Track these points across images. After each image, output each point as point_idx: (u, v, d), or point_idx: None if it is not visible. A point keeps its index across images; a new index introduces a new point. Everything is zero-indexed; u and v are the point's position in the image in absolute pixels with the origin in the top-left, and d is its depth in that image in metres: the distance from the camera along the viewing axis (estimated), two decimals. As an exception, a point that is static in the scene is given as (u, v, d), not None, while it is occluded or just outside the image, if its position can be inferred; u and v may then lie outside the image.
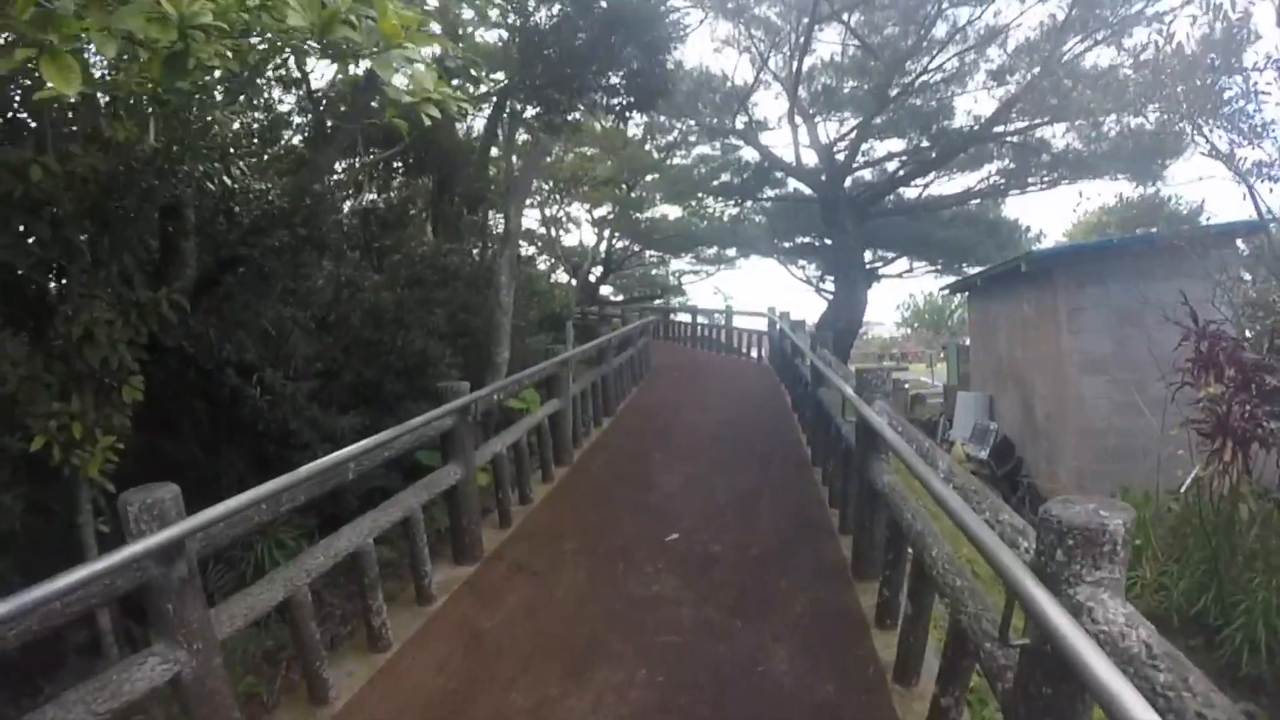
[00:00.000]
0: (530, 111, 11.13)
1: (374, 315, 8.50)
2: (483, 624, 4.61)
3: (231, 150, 6.60)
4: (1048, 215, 67.31)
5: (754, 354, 17.95)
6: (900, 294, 63.10)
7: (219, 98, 5.75)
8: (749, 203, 28.35)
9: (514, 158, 14.23)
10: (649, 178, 29.89)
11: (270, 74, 8.59)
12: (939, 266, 31.27)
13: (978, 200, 23.84)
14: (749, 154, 22.49)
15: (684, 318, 24.29)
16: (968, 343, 41.15)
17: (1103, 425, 10.97)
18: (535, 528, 6.43)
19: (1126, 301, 10.98)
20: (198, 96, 4.67)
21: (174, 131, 4.98)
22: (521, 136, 13.58)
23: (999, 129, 18.90)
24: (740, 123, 20.57)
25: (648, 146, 29.95)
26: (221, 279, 7.34)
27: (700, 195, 25.59)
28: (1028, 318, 12.29)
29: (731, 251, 34.79)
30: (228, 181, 6.11)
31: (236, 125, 12.88)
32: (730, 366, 16.80)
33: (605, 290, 42.13)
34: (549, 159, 30.05)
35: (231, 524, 3.38)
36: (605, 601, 4.83)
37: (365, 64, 3.00)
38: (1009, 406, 13.44)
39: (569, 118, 9.96)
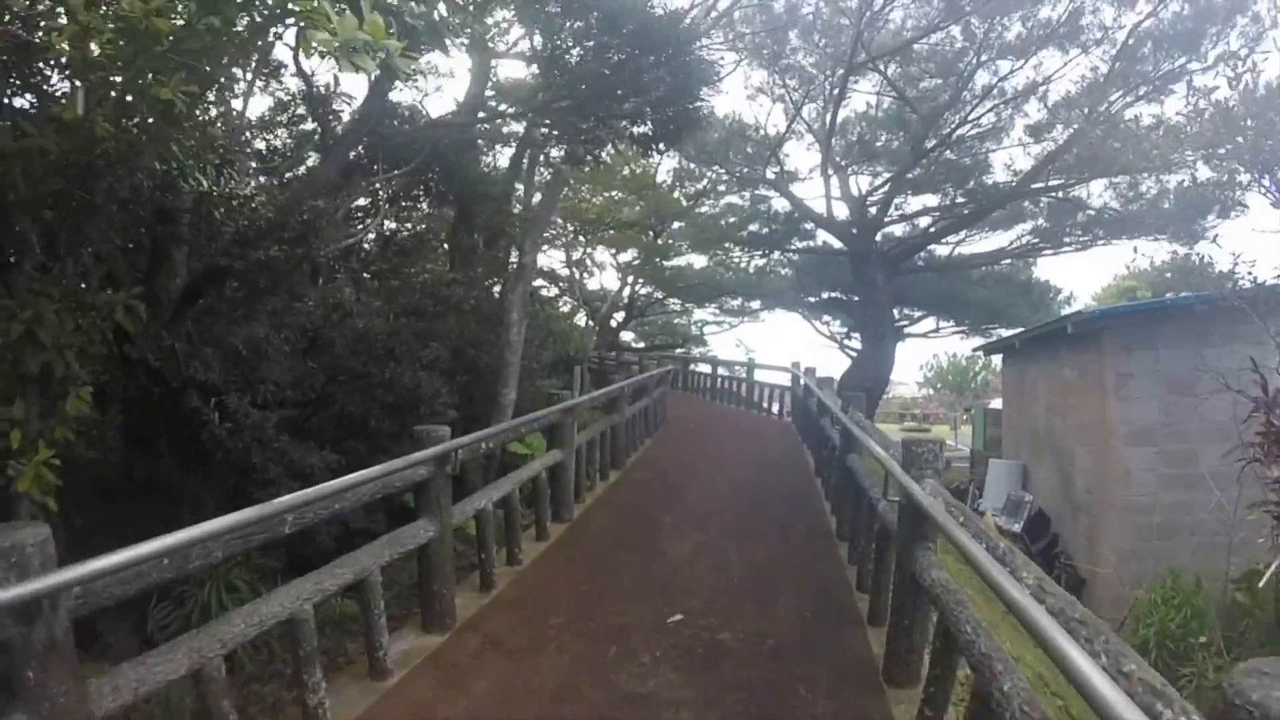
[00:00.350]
0: (555, 147, 10.71)
1: (364, 343, 7.85)
2: (440, 712, 3.87)
3: (221, 149, 6.04)
4: (1076, 278, 66.15)
5: (775, 410, 17.13)
6: (924, 354, 62.10)
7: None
8: (776, 254, 27.83)
9: (535, 193, 13.77)
10: (676, 225, 29.51)
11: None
12: (965, 327, 30.50)
13: (1009, 260, 23.17)
14: (779, 204, 22.06)
15: (704, 368, 23.54)
16: (995, 405, 40.14)
17: (1148, 501, 10.13)
18: (520, 595, 5.68)
19: (1177, 368, 10.21)
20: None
21: (140, 116, 4.38)
22: (544, 171, 13.14)
23: (1036, 185, 18.25)
24: (771, 172, 20.10)
25: (676, 194, 29.63)
26: (205, 291, 6.78)
27: (727, 245, 25.06)
28: (1069, 383, 11.50)
29: (756, 304, 34.21)
30: (204, 182, 5.49)
31: (261, 145, 12.76)
32: (750, 423, 16.06)
33: (626, 336, 41.71)
34: (576, 199, 29.99)
35: (125, 580, 2.78)
36: (589, 697, 4.06)
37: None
38: (1045, 477, 12.57)
39: (594, 151, 9.42)
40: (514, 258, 14.70)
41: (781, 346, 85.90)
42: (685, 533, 7.26)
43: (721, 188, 26.30)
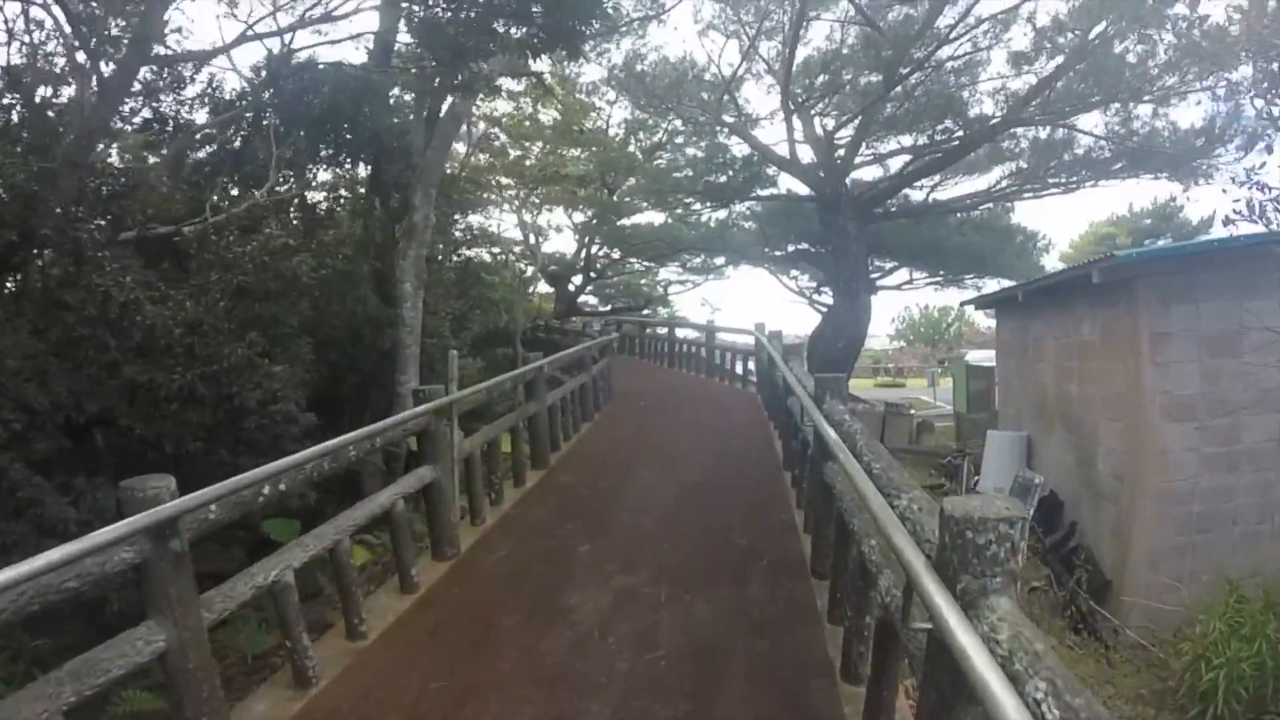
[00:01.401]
0: (442, 73, 8.54)
1: (151, 343, 5.69)
2: None
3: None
4: (1050, 226, 64.44)
5: (740, 378, 15.13)
6: (895, 307, 60.61)
7: None
8: (739, 206, 25.75)
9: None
10: (631, 181, 27.36)
11: None
12: (941, 278, 28.74)
13: (989, 205, 21.25)
14: (739, 150, 19.85)
15: (661, 332, 21.39)
16: (973, 357, 38.59)
17: (1187, 487, 8.31)
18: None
19: (1220, 324, 8.35)
20: None
21: None
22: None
23: (1022, 118, 16.28)
24: (728, 115, 17.92)
25: (631, 147, 27.41)
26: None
27: (684, 198, 22.87)
28: (1089, 343, 9.59)
29: (720, 260, 32.30)
30: None
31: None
32: (708, 395, 14.05)
33: (590, 300, 39.73)
34: (516, 156, 27.72)
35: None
36: None
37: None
38: (1057, 454, 10.72)
39: (479, 65, 7.26)
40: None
41: (749, 304, 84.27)
42: (605, 575, 5.25)
43: (679, 139, 24.06)
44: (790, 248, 24.25)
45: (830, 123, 17.54)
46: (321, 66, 9.60)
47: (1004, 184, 20.00)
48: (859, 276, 16.43)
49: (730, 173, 18.99)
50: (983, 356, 47.19)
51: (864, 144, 17.50)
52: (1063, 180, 19.11)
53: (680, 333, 21.44)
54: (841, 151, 17.03)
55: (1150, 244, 44.88)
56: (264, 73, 10.45)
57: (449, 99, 9.88)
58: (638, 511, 6.66)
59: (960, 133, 16.88)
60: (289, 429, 6.45)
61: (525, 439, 8.06)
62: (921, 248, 20.84)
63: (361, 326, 10.72)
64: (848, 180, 17.34)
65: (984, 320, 66.97)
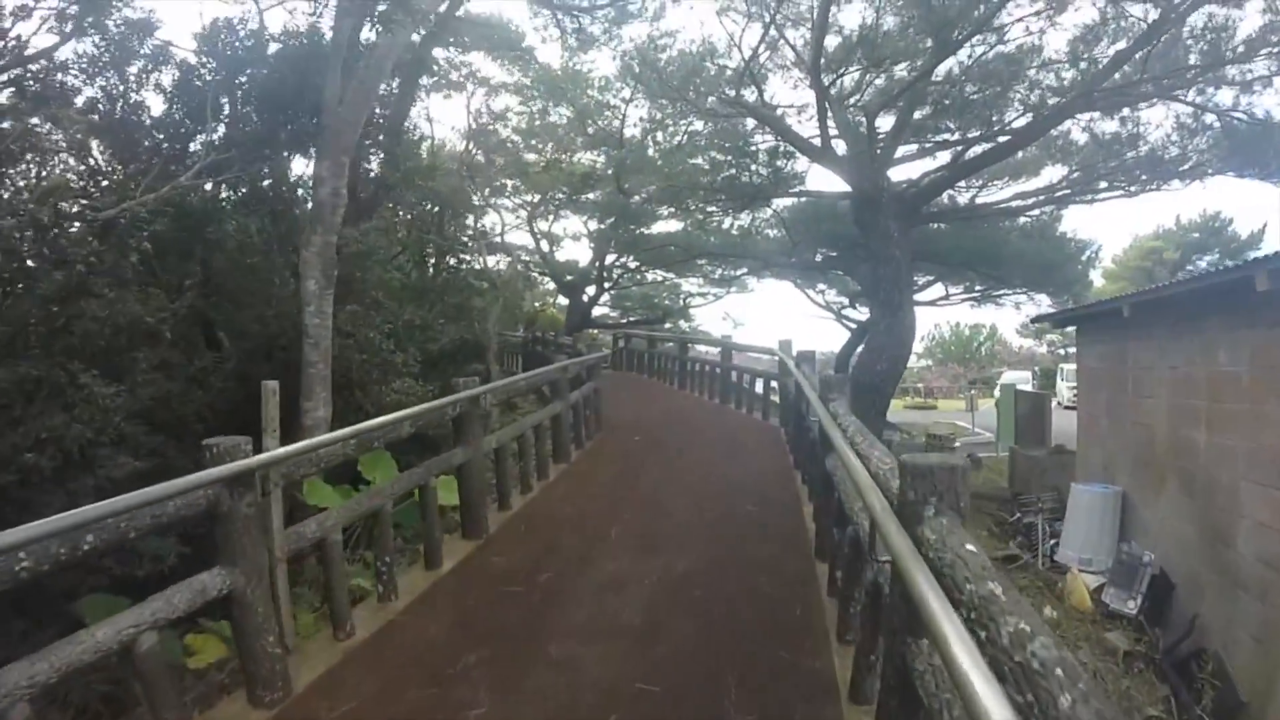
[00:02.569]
0: None
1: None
2: None
3: None
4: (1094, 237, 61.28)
5: (760, 401, 12.62)
6: (923, 324, 58.12)
7: None
8: (763, 210, 23.38)
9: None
10: (650, 188, 25.11)
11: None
12: (979, 293, 26.19)
13: (1044, 208, 18.67)
14: (764, 142, 17.43)
15: (671, 349, 18.89)
16: (1018, 382, 35.70)
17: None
18: None
19: None
20: None
21: None
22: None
23: (1085, 112, 13.82)
24: (748, 94, 15.55)
25: (650, 151, 25.13)
26: None
27: (703, 201, 20.50)
28: (1228, 377, 7.08)
29: (742, 271, 29.94)
30: None
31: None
32: (721, 430, 11.21)
33: (607, 312, 37.55)
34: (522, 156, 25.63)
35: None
36: None
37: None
38: (1169, 521, 8.19)
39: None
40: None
41: (773, 319, 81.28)
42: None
43: (700, 142, 21.66)
44: (820, 255, 21.73)
45: (867, 110, 15.08)
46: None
47: (1061, 185, 17.49)
48: (901, 287, 13.93)
49: (755, 166, 16.59)
50: (1017, 378, 44.74)
51: (906, 132, 14.99)
52: (1124, 182, 16.62)
53: (697, 348, 19.02)
54: (882, 141, 14.56)
55: (1199, 260, 42.04)
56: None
57: (368, 32, 7.63)
58: (589, 634, 4.24)
59: (1020, 120, 14.40)
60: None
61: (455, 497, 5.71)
62: (974, 255, 18.16)
63: (276, 335, 8.46)
64: (889, 175, 14.86)
65: (1017, 339, 64.55)
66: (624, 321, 34.91)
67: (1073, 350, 55.88)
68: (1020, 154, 17.29)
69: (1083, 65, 13.54)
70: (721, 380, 13.92)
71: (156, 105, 9.28)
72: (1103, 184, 17.15)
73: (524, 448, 7.37)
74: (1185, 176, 15.92)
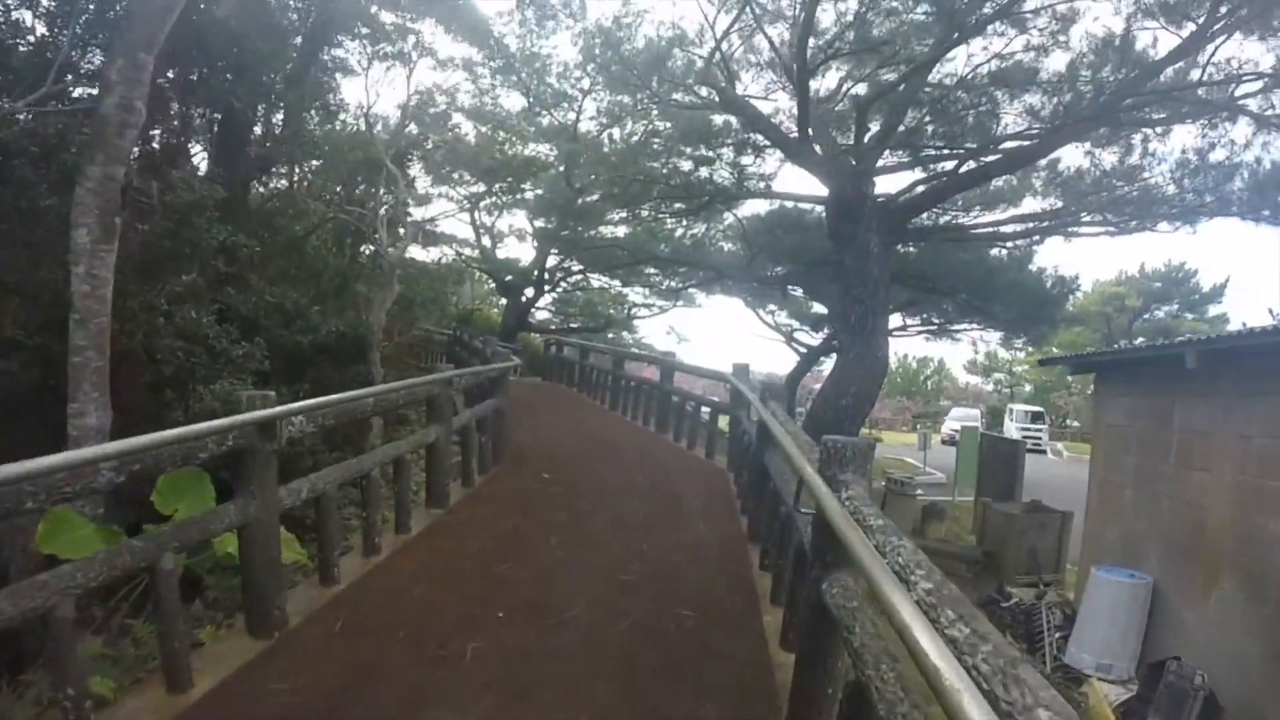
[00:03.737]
0: None
1: None
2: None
3: None
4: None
5: (701, 442, 10.46)
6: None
7: None
8: (720, 220, 21.46)
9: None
10: (601, 188, 23.00)
11: None
12: (935, 326, 24.72)
13: (1028, 238, 16.99)
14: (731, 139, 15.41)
15: (604, 363, 16.60)
16: (966, 421, 34.23)
17: None
18: None
19: None
20: None
21: None
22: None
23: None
24: (719, 72, 13.50)
25: (605, 148, 22.98)
26: None
27: (658, 195, 18.38)
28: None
29: (691, 284, 28.07)
30: None
31: None
32: (656, 470, 8.84)
33: (548, 316, 35.46)
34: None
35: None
36: None
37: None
38: (1221, 628, 6.31)
39: None
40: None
41: (720, 338, 79.59)
42: None
43: (658, 145, 19.52)
44: (779, 270, 19.76)
45: (858, 104, 13.14)
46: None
47: (1046, 215, 15.84)
48: (877, 311, 12.00)
49: (717, 164, 14.57)
50: (965, 415, 43.58)
51: (892, 139, 13.07)
52: (1115, 218, 15.03)
53: (633, 365, 16.86)
54: (868, 143, 12.62)
55: (1157, 311, 41.26)
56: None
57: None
58: None
59: (1016, 136, 12.63)
60: None
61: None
62: (962, 282, 16.25)
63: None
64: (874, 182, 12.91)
65: (964, 376, 63.85)
66: (555, 328, 32.72)
67: (1020, 389, 55.12)
68: (999, 181, 15.70)
69: (1088, 85, 11.82)
70: (659, 404, 11.74)
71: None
72: (1086, 218, 15.59)
73: (369, 494, 5.12)
74: (1180, 218, 14.48)
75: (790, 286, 21.64)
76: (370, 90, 25.22)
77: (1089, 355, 10.20)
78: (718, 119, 15.63)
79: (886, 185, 14.41)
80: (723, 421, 9.90)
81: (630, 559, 5.35)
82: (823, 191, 12.93)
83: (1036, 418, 39.71)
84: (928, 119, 13.04)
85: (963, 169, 12.65)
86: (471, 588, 4.74)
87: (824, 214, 14.63)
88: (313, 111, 13.51)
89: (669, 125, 17.14)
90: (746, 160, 14.97)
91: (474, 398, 8.15)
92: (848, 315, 12.13)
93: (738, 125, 14.82)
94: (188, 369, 6.71)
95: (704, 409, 10.56)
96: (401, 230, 10.46)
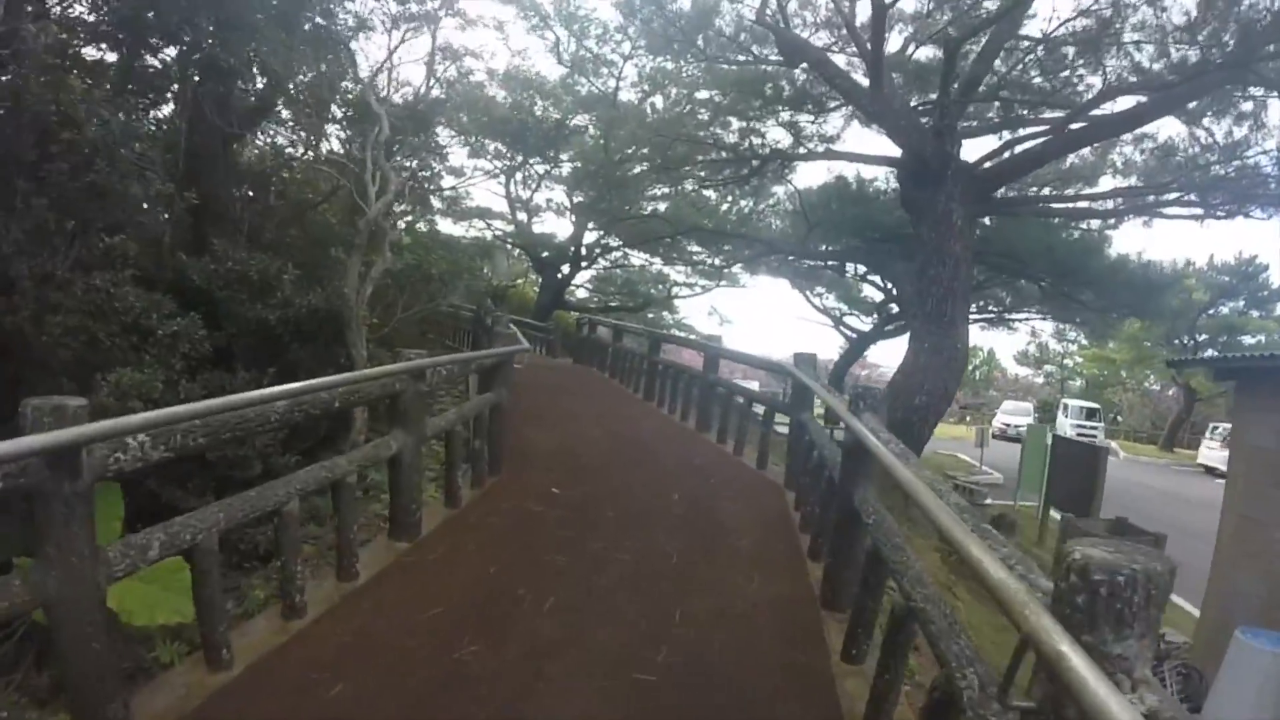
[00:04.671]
0: None
1: None
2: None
3: None
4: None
5: (752, 443, 8.67)
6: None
7: None
8: (769, 193, 19.69)
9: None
10: (643, 158, 21.33)
11: None
12: (993, 314, 22.79)
13: (1109, 219, 14.97)
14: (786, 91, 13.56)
15: (636, 345, 14.84)
16: (1011, 417, 31.93)
17: None
18: None
19: None
20: None
21: None
22: None
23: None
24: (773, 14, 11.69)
25: (649, 118, 21.27)
26: None
27: (703, 161, 16.62)
28: None
29: (736, 265, 26.34)
30: None
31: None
32: (693, 490, 6.73)
33: (584, 295, 33.92)
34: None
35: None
36: None
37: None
38: None
39: None
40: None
41: (763, 320, 77.46)
42: None
43: (704, 114, 17.70)
44: (839, 245, 17.80)
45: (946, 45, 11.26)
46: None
47: (1148, 189, 13.80)
48: (958, 294, 10.17)
49: (776, 114, 12.75)
50: (1015, 409, 41.21)
51: (977, 94, 11.17)
52: (1218, 200, 13.02)
53: (672, 348, 15.12)
54: (952, 96, 10.72)
55: (1222, 306, 38.53)
56: None
57: None
58: None
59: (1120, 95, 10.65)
60: None
61: None
62: (1049, 263, 14.18)
63: None
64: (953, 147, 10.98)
65: (1014, 367, 61.01)
66: (594, 307, 31.15)
67: (1072, 382, 52.36)
68: (1073, 156, 13.71)
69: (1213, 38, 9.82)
70: (702, 396, 10.04)
71: None
72: (1171, 198, 13.58)
73: (283, 538, 3.57)
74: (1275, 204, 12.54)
75: (850, 265, 19.71)
76: (392, 50, 23.73)
77: (1237, 359, 8.17)
78: (771, 76, 13.86)
79: (965, 152, 12.54)
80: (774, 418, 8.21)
81: (654, 639, 3.70)
82: (895, 153, 11.10)
83: (1092, 414, 37.29)
84: (1021, 72, 11.08)
85: (1060, 131, 10.64)
86: (414, 687, 3.15)
87: (893, 182, 12.82)
88: (323, 66, 12.09)
89: (715, 93, 15.41)
90: (805, 119, 13.12)
91: (490, 379, 6.53)
92: (924, 298, 10.32)
93: (796, 79, 12.99)
94: (99, 351, 5.19)
95: (756, 406, 8.79)
96: (393, 188, 8.78)
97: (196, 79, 9.93)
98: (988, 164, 10.94)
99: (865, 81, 10.29)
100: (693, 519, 5.84)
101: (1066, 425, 34.74)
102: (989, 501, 14.49)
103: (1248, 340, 33.24)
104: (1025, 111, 11.80)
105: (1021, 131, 11.27)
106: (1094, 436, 33.83)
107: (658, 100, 22.14)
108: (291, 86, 11.48)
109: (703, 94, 17.36)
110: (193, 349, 6.27)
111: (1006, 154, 11.11)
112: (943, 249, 9.99)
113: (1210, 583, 7.66)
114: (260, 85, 11.20)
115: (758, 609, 4.20)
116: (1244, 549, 7.17)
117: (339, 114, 11.91)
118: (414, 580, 4.29)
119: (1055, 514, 15.67)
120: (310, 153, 13.70)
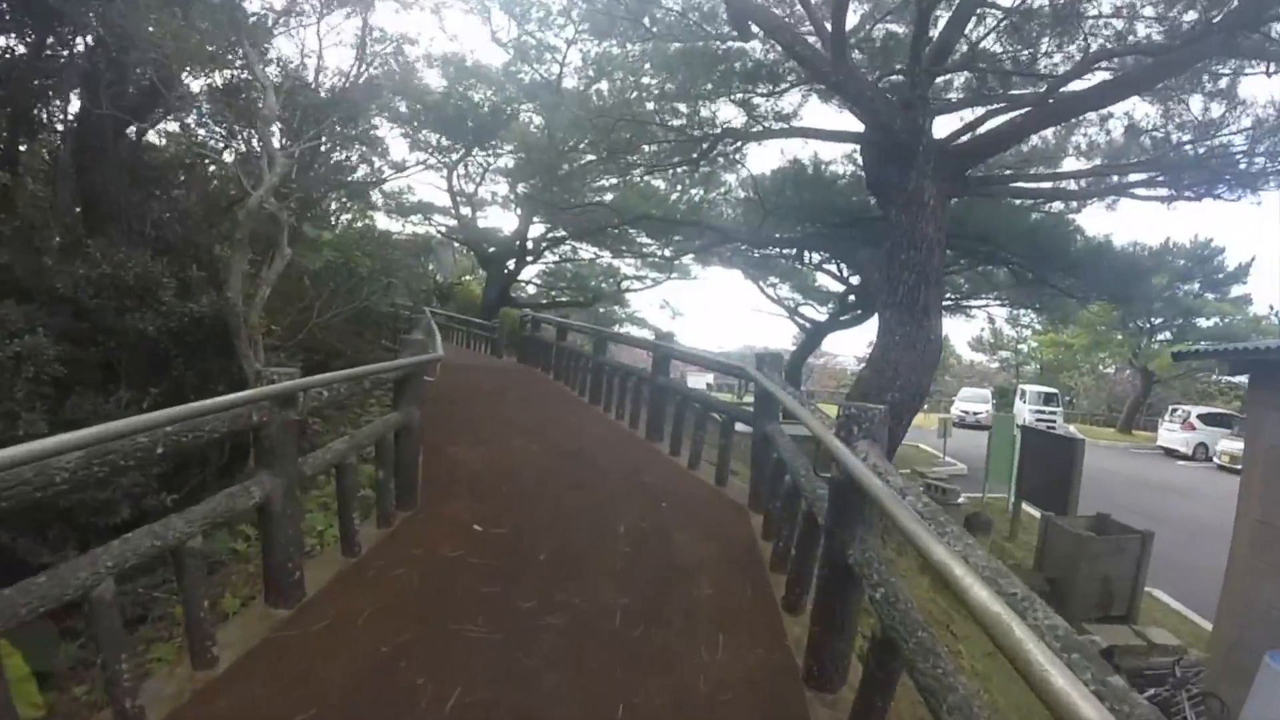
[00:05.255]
0: None
1: None
2: None
3: None
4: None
5: (711, 455, 7.67)
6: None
7: None
8: (720, 180, 18.80)
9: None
10: (586, 149, 20.30)
11: None
12: (950, 301, 22.23)
13: (1072, 201, 14.33)
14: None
15: (581, 342, 13.83)
16: (982, 404, 31.59)
17: None
18: None
19: None
20: None
21: None
22: None
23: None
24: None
25: (594, 104, 20.18)
26: None
27: (651, 146, 15.62)
28: None
29: (685, 253, 25.45)
30: None
31: None
32: (646, 506, 5.97)
33: (534, 292, 32.93)
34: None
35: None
36: None
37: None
38: None
39: None
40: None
41: (715, 312, 76.73)
42: None
43: (650, 104, 16.64)
44: (795, 232, 16.87)
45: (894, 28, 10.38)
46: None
47: (1118, 167, 13.11)
48: (931, 280, 9.31)
49: (728, 90, 11.78)
50: (973, 395, 41.00)
51: (950, 60, 10.30)
52: (1187, 183, 12.43)
53: (618, 348, 14.10)
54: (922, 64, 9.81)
55: (1178, 290, 38.74)
56: None
57: None
58: None
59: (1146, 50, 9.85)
60: None
61: None
62: (1024, 247, 13.39)
63: None
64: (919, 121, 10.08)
65: (968, 354, 61.04)
66: (545, 303, 30.18)
67: (1027, 367, 52.47)
68: (1034, 137, 13.04)
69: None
70: (653, 399, 9.03)
71: None
72: (1139, 178, 13.00)
73: (98, 628, 2.73)
74: (1250, 184, 11.99)
75: (807, 253, 18.86)
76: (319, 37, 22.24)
77: (1255, 350, 7.32)
78: (723, 56, 12.90)
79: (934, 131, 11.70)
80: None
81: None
82: (859, 129, 10.21)
83: (1050, 399, 37.35)
84: (996, 38, 10.24)
85: (1042, 102, 9.79)
86: None
87: (852, 165, 11.96)
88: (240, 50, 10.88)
89: (664, 76, 14.41)
90: (759, 96, 12.17)
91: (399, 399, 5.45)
92: (894, 286, 9.42)
93: (750, 54, 12.04)
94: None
95: (715, 414, 7.78)
96: (278, 169, 7.52)
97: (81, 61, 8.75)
98: (963, 138, 10.08)
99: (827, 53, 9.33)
100: (642, 558, 4.82)
101: (1025, 411, 34.63)
102: (962, 501, 13.72)
103: (1203, 324, 33.29)
104: (999, 88, 10.99)
105: (995, 107, 10.44)
106: (1053, 421, 33.75)
107: (604, 86, 21.16)
108: (187, 69, 10.23)
109: (649, 80, 16.41)
110: (40, 372, 5.12)
111: (982, 128, 10.25)
112: (915, 232, 9.12)
113: (1224, 596, 6.89)
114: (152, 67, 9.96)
115: (725, 692, 3.21)
116: (1264, 559, 6.38)
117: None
118: (287, 665, 3.23)
119: (1028, 508, 15.04)
120: (229, 146, 12.46)
